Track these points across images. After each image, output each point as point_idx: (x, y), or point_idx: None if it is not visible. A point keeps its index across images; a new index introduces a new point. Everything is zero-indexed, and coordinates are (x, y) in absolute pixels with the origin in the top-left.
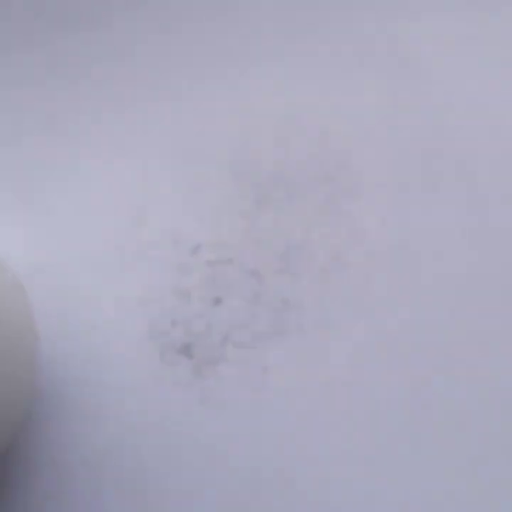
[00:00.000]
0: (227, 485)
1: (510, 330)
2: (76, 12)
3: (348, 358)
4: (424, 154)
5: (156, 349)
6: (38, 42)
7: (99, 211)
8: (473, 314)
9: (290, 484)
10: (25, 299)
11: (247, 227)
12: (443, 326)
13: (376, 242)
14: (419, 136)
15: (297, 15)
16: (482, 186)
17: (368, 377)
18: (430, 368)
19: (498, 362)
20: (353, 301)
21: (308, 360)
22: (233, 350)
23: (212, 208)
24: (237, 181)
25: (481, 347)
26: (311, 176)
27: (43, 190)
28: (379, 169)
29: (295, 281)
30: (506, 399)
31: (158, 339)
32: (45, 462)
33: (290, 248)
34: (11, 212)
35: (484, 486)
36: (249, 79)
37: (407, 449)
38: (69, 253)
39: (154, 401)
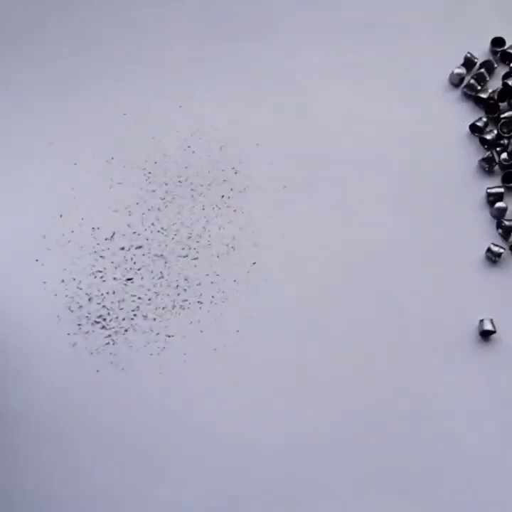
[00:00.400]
0: (133, 438)
1: (371, 302)
2: None
3: (237, 326)
4: (303, 161)
5: (74, 320)
6: None
7: (29, 202)
8: (340, 291)
9: (189, 437)
10: None
11: (155, 219)
12: (315, 300)
13: (262, 233)
14: (299, 147)
15: (208, 44)
16: (349, 188)
17: (253, 343)
18: (305, 334)
19: (362, 334)
20: (242, 281)
21: (204, 329)
22: (141, 321)
23: (126, 202)
24: (147, 181)
25: (347, 315)
26: (210, 178)
27: None
28: (266, 173)
29: (195, 264)
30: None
31: (77, 312)
32: None
33: (191, 237)
34: None
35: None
36: (163, 96)
37: (290, 400)
38: (1, 238)
39: (72, 364)
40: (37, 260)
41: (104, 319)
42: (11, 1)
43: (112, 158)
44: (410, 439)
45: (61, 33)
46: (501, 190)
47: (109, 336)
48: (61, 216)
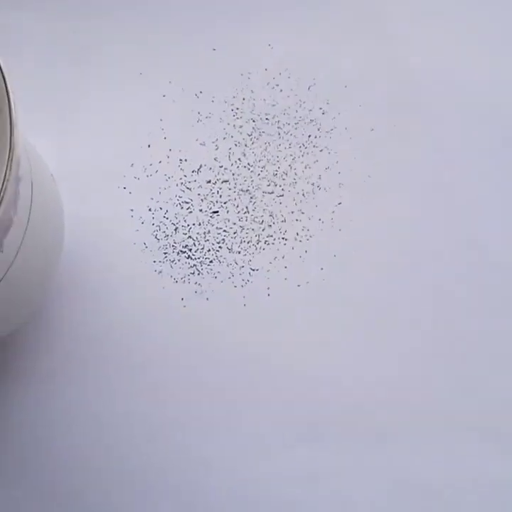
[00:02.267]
0: (212, 367)
1: (456, 244)
2: None
3: (321, 264)
4: (392, 103)
5: (160, 249)
6: None
7: (118, 132)
8: (425, 237)
9: (269, 368)
10: (57, 190)
11: (241, 154)
12: (399, 243)
13: (348, 174)
14: (389, 90)
15: None
16: (440, 135)
17: (337, 281)
18: (387, 276)
19: (445, 277)
20: (327, 220)
21: (288, 265)
22: (226, 253)
23: (213, 137)
24: (235, 116)
25: (431, 259)
26: (297, 117)
27: (74, 110)
28: (354, 115)
29: (280, 201)
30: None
31: (163, 241)
32: (65, 331)
33: (277, 174)
34: (46, 128)
35: None
36: (253, 34)
37: (371, 339)
38: (92, 165)
39: (157, 291)
40: (125, 188)
41: (190, 249)
42: None
43: (201, 92)
44: (493, 381)
45: None
46: None
47: (194, 265)
48: (149, 146)
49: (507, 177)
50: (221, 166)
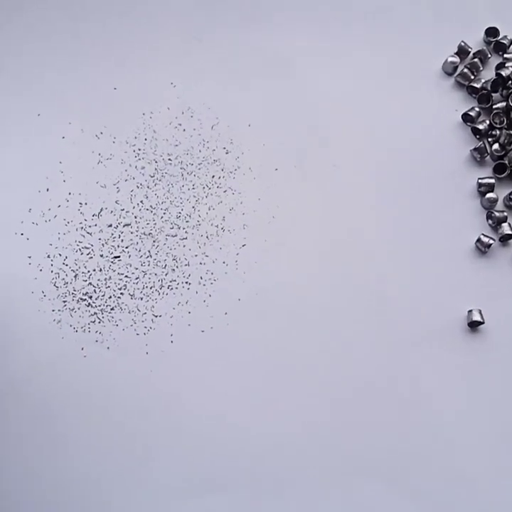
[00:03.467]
0: (118, 418)
1: (359, 289)
2: None
3: (225, 308)
4: (295, 144)
5: (59, 297)
6: None
7: (14, 175)
8: (328, 277)
9: (174, 420)
10: None
11: (143, 196)
12: (303, 285)
13: (252, 215)
14: (291, 130)
15: (202, 23)
16: (341, 173)
17: (242, 326)
18: (293, 319)
19: (350, 322)
20: (231, 263)
21: (192, 310)
22: (128, 300)
23: (114, 179)
24: (137, 158)
25: (334, 302)
26: (200, 157)
27: None
28: (258, 154)
29: (183, 244)
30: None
31: (62, 288)
32: None
33: (180, 216)
34: None
35: None
36: (156, 73)
37: (277, 386)
38: None
39: (56, 341)
40: (22, 234)
41: (90, 297)
42: None
43: (101, 133)
44: (398, 427)
45: (57, 6)
46: (492, 180)
47: (95, 313)
48: (48, 190)
49: (405, 217)
50: (123, 209)
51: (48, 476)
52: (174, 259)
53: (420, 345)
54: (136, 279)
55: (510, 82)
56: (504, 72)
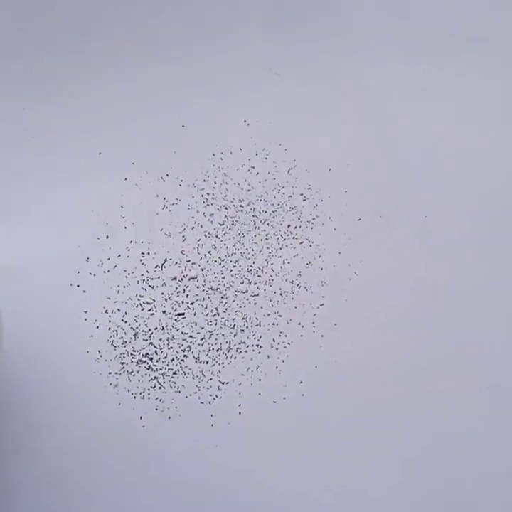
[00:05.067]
0: (178, 497)
1: (452, 357)
2: None
3: (301, 376)
4: (381, 191)
5: (117, 357)
6: None
7: (72, 220)
8: (417, 342)
9: (242, 500)
10: None
11: (211, 247)
12: (389, 351)
13: (332, 270)
14: (377, 174)
15: (280, 55)
16: (433, 224)
17: (319, 397)
18: (377, 389)
19: (441, 395)
20: (307, 324)
21: (262, 377)
22: (192, 363)
23: (180, 226)
24: (205, 203)
25: (423, 370)
26: (275, 204)
27: (20, 200)
28: (339, 202)
29: (255, 301)
30: None
31: (120, 348)
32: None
33: (252, 270)
34: None
35: None
36: (228, 109)
37: (359, 468)
38: (41, 258)
39: (112, 407)
40: (78, 286)
41: (151, 359)
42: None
43: (167, 175)
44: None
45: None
46: None
47: (156, 378)
48: (107, 237)
49: (506, 272)
50: (188, 260)
51: None
52: (244, 319)
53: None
54: (202, 339)
55: None
56: None
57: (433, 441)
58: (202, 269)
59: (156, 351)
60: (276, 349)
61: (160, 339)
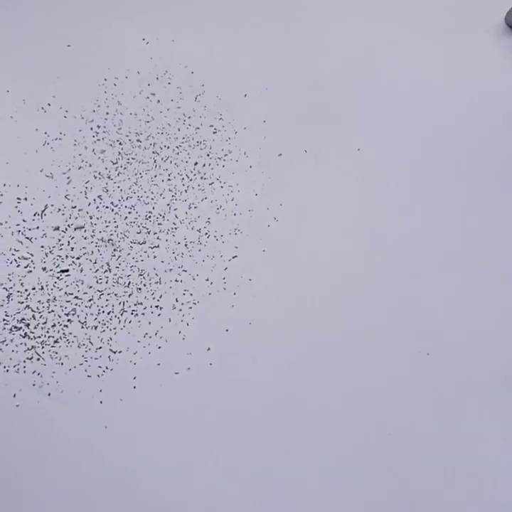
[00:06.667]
0: (61, 484)
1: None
2: None
3: (208, 342)
4: (306, 120)
5: None
6: None
7: None
8: (351, 292)
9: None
10: None
11: (102, 190)
12: (313, 305)
13: (247, 216)
14: (302, 100)
15: None
16: (368, 156)
17: (230, 366)
18: (299, 356)
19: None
20: (217, 280)
21: (163, 344)
22: (78, 329)
23: (65, 166)
24: (95, 138)
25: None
26: (180, 138)
27: None
28: (257, 134)
29: (154, 254)
30: None
31: None
32: None
33: (151, 217)
34: None
35: None
36: (122, 25)
37: (270, 445)
38: None
39: None
40: None
41: (28, 325)
42: None
43: (49, 105)
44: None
45: None
46: None
47: (33, 347)
48: None
49: (472, 214)
50: (74, 207)
51: None
52: (141, 275)
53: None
54: (90, 301)
55: None
56: None
57: (356, 405)
58: (90, 217)
59: (33, 316)
60: (180, 310)
61: (39, 301)
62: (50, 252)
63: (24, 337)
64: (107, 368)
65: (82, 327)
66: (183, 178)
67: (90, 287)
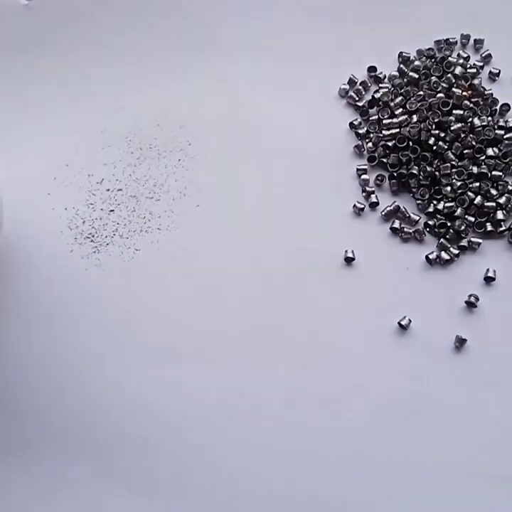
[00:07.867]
0: (108, 320)
1: (270, 235)
2: None
3: (185, 246)
4: (235, 141)
5: (72, 235)
6: None
7: (46, 155)
8: (253, 223)
9: (145, 325)
10: None
11: (131, 171)
12: (230, 236)
13: (205, 185)
14: (233, 131)
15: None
16: (265, 161)
17: (195, 255)
18: (228, 249)
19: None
20: (190, 216)
21: (161, 247)
22: (118, 239)
23: (112, 160)
24: (128, 146)
25: (255, 240)
26: (171, 147)
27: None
28: (211, 146)
29: (157, 203)
30: None
31: (74, 230)
32: None
33: (156, 185)
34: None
35: None
36: (143, 90)
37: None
38: (22, 178)
39: (69, 264)
40: (49, 194)
41: (93, 236)
42: None
43: (105, 129)
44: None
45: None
46: (366, 167)
47: (96, 247)
48: (67, 166)
49: (307, 191)
50: (117, 180)
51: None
52: (150, 213)
53: (311, 274)
54: (124, 225)
55: (380, 102)
56: (377, 95)
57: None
58: (125, 185)
59: (96, 232)
60: (170, 231)
61: (98, 225)
62: (105, 201)
63: (91, 242)
64: (132, 257)
65: (121, 238)
66: (172, 167)
67: (124, 219)
